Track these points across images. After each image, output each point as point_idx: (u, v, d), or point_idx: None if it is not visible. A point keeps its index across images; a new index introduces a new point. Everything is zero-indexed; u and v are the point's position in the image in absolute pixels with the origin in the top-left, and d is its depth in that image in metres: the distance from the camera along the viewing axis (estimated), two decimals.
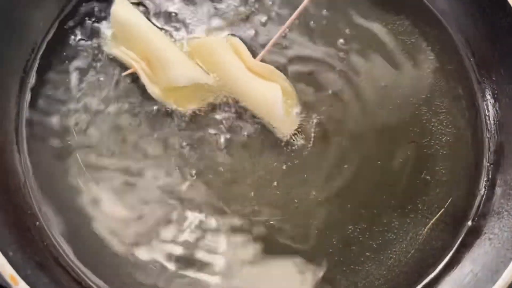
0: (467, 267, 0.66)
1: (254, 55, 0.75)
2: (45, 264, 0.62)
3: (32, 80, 0.75)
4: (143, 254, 0.67)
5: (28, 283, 0.54)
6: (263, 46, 0.76)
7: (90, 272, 0.65)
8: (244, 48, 0.75)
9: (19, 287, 0.53)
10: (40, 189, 0.69)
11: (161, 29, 0.78)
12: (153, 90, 0.73)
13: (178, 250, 0.67)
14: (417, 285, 0.68)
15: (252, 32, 0.79)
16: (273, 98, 0.72)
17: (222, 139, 0.73)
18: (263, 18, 0.79)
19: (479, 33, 0.79)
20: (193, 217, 0.69)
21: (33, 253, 0.61)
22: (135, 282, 0.66)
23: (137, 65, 0.74)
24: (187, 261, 0.67)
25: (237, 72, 0.74)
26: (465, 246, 0.69)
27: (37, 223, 0.67)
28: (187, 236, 0.68)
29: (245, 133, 0.73)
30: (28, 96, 0.74)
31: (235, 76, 0.73)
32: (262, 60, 0.75)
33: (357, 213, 0.70)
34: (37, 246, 0.63)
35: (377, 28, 0.80)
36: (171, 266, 0.67)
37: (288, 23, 0.73)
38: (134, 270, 0.66)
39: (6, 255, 0.55)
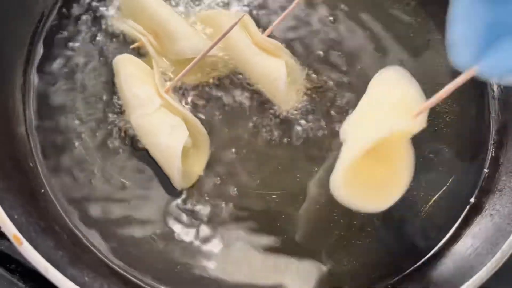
0: (468, 242, 0.66)
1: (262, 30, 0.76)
2: (50, 229, 0.62)
3: (38, 52, 0.76)
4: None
5: (32, 244, 0.54)
6: (271, 21, 0.77)
7: (94, 237, 0.66)
8: (252, 22, 0.76)
9: (22, 247, 0.54)
10: (45, 157, 0.70)
11: (168, 1, 0.78)
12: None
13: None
14: (419, 259, 0.68)
15: (260, 6, 0.79)
16: (277, 74, 0.73)
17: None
18: None
19: None
20: None
21: (38, 218, 0.61)
22: (136, 243, 0.67)
23: (144, 38, 0.75)
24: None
25: (244, 46, 0.74)
26: (467, 222, 0.69)
27: (42, 190, 0.67)
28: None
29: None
30: (33, 68, 0.75)
31: (241, 49, 0.74)
32: (270, 36, 0.75)
33: None
34: (42, 212, 0.64)
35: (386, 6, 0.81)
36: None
37: (295, 2, 0.73)
38: (136, 235, 0.67)
39: (11, 217, 0.55)
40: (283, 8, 0.77)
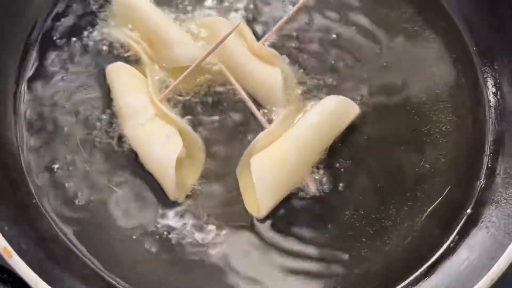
0: (464, 254, 0.66)
1: (257, 38, 0.76)
2: (41, 240, 0.62)
3: (31, 61, 0.75)
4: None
5: (22, 257, 0.54)
6: (267, 29, 0.77)
7: (86, 248, 0.66)
8: (248, 30, 0.75)
9: (12, 260, 0.53)
10: (36, 167, 0.69)
11: (163, 9, 0.78)
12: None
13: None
14: (414, 272, 0.67)
15: (256, 15, 0.79)
16: (273, 81, 0.72)
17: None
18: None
19: (483, 22, 0.78)
20: None
21: (29, 230, 0.61)
22: (130, 257, 0.66)
23: (138, 46, 0.74)
24: None
25: (239, 53, 0.74)
26: (463, 233, 0.68)
27: (34, 200, 0.67)
28: None
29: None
30: (26, 75, 0.74)
31: (237, 57, 0.73)
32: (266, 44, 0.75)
33: (354, 199, 0.70)
34: (33, 223, 0.63)
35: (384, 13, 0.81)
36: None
37: (296, 7, 0.73)
38: (129, 246, 0.66)
39: (1, 230, 0.55)
40: (279, 17, 0.77)
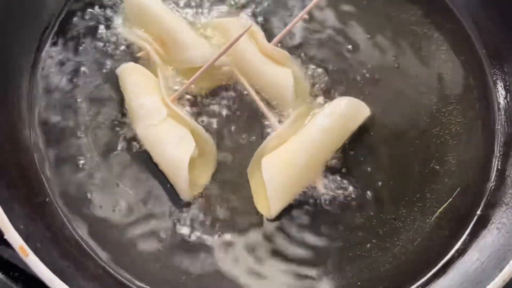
0: (474, 256, 0.66)
1: (269, 40, 0.76)
2: (55, 239, 0.62)
3: (44, 59, 0.76)
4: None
5: (37, 255, 0.54)
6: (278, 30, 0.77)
7: (99, 246, 0.66)
8: (259, 32, 0.76)
9: (28, 258, 0.53)
10: (50, 166, 0.70)
11: (176, 10, 0.78)
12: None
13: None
14: (424, 273, 0.68)
15: (267, 16, 0.79)
16: (284, 83, 0.73)
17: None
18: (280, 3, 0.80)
19: (493, 24, 0.78)
20: None
21: (43, 228, 0.62)
22: (142, 256, 0.66)
23: (150, 47, 0.74)
24: None
25: (251, 55, 0.74)
26: (473, 235, 0.69)
27: (47, 199, 0.67)
28: None
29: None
30: (39, 74, 0.75)
31: (248, 58, 0.74)
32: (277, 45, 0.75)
33: (364, 200, 0.70)
34: (47, 222, 0.64)
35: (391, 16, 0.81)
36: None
37: (305, 10, 0.73)
38: (141, 245, 0.67)
39: (17, 228, 0.55)
40: (291, 18, 0.77)
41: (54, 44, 0.77)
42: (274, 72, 0.74)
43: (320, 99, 0.75)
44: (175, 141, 0.67)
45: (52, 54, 0.76)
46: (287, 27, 0.74)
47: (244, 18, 0.78)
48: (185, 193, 0.67)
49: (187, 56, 0.72)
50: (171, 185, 0.69)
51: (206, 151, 0.70)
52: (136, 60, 0.75)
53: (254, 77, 0.74)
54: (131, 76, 0.73)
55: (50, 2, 0.77)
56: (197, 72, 0.71)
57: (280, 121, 0.72)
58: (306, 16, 0.76)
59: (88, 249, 0.66)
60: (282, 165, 0.68)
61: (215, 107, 0.74)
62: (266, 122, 0.73)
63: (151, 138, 0.69)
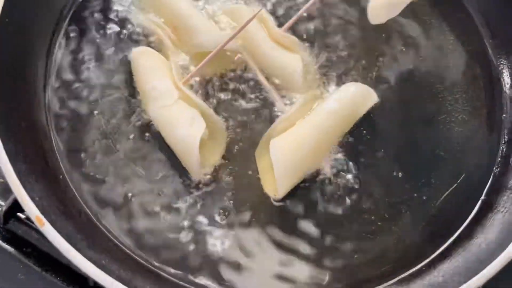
0: (478, 239, 0.67)
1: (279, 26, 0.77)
2: (69, 213, 0.63)
3: (60, 42, 0.78)
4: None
5: (53, 226, 0.55)
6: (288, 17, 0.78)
7: (110, 222, 0.67)
8: (269, 17, 0.77)
9: (44, 228, 0.55)
10: (64, 144, 0.71)
11: None
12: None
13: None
14: (427, 256, 0.69)
15: (279, 2, 0.81)
16: (293, 68, 0.74)
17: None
18: None
19: (500, 14, 0.80)
20: None
21: (57, 202, 0.63)
22: (151, 230, 0.68)
23: (162, 32, 0.76)
24: None
25: (261, 40, 0.75)
26: (477, 220, 0.70)
27: (61, 176, 0.69)
28: None
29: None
30: (55, 56, 0.77)
31: (258, 44, 0.75)
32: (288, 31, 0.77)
33: (370, 184, 0.71)
34: (61, 197, 0.65)
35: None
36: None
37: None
38: (151, 225, 0.68)
39: (33, 199, 0.57)
40: (302, 4, 0.79)
41: (69, 30, 0.78)
42: (283, 58, 0.75)
43: (330, 84, 0.76)
44: (186, 122, 0.68)
45: (66, 41, 0.77)
46: (297, 14, 0.75)
47: (255, 5, 0.80)
48: (195, 172, 0.69)
49: (199, 40, 0.74)
50: (181, 166, 0.70)
51: (215, 133, 0.71)
52: (149, 44, 0.77)
53: (263, 63, 0.75)
54: (143, 59, 0.75)
55: None
56: (207, 56, 0.72)
57: (288, 105, 0.74)
58: (316, 4, 0.78)
59: (100, 225, 0.67)
60: (290, 147, 0.69)
61: (225, 92, 0.75)
62: (275, 108, 0.74)
63: (162, 119, 0.70)
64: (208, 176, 0.70)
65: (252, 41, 0.75)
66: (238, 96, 0.75)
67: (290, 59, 0.75)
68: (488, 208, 0.70)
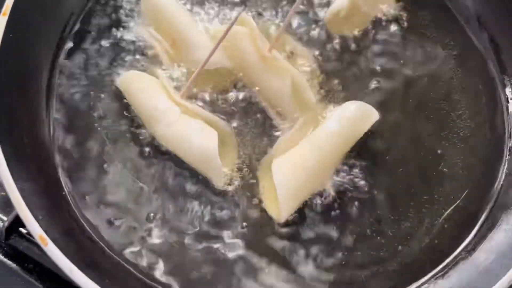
0: (481, 257, 0.67)
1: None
2: (71, 232, 0.64)
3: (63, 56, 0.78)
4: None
5: (56, 245, 0.55)
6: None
7: (114, 240, 0.67)
8: (259, 37, 0.75)
9: (47, 247, 0.55)
10: (66, 161, 0.71)
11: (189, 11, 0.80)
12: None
13: None
14: (430, 272, 0.69)
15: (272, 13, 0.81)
16: (281, 92, 0.73)
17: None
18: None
19: (502, 30, 0.80)
20: None
21: (60, 221, 0.63)
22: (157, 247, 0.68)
23: (160, 46, 0.76)
24: None
25: (252, 63, 0.75)
26: (480, 236, 0.70)
27: (63, 192, 0.68)
28: None
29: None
30: (59, 73, 0.77)
31: (250, 66, 0.75)
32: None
33: (373, 202, 0.71)
34: (64, 215, 0.65)
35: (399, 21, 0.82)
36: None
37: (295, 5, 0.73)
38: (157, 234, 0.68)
39: (36, 218, 0.56)
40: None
41: (73, 42, 0.78)
42: (273, 81, 0.74)
43: (329, 103, 0.76)
44: (196, 133, 0.68)
45: (71, 52, 0.78)
46: (278, 33, 0.74)
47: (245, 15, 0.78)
48: (220, 180, 0.69)
49: (197, 56, 0.74)
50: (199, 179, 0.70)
51: (227, 138, 0.72)
52: (145, 56, 0.77)
53: (257, 83, 0.75)
54: (135, 83, 0.74)
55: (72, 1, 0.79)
56: (203, 73, 0.71)
57: (287, 125, 0.74)
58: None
59: (101, 243, 0.67)
60: (293, 169, 0.69)
61: (225, 109, 0.75)
62: (275, 127, 0.74)
63: (172, 136, 0.70)
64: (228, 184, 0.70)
65: (246, 64, 0.75)
66: (236, 115, 0.75)
67: (279, 82, 0.74)
68: (491, 224, 0.70)
